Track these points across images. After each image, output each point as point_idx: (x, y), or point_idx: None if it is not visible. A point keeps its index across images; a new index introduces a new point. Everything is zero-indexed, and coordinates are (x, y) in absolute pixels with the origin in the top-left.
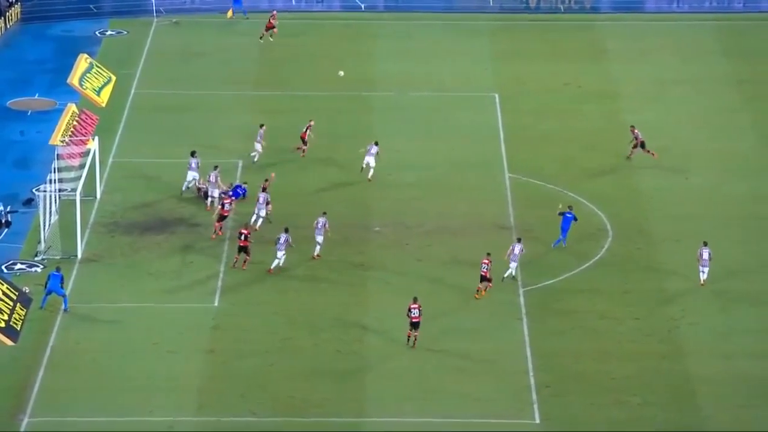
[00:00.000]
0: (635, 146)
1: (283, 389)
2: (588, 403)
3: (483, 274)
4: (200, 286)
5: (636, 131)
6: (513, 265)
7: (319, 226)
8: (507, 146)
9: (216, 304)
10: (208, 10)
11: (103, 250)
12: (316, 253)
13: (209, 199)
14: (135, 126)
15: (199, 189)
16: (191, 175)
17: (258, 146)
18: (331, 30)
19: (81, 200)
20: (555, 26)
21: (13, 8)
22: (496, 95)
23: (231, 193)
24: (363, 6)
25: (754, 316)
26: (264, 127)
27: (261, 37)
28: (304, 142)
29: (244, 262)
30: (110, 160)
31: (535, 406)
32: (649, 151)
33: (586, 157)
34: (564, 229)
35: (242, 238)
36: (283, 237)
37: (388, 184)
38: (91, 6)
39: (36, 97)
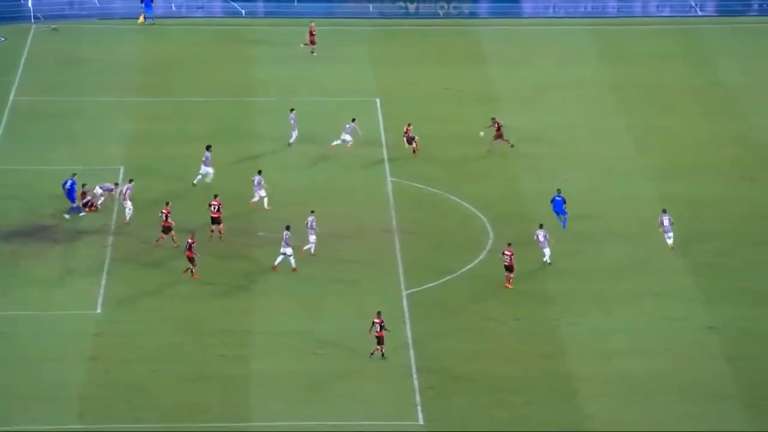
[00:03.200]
0: (496, 137)
1: (169, 395)
2: (472, 404)
3: (507, 264)
4: (83, 293)
5: (498, 121)
6: (547, 251)
7: (309, 224)
8: (388, 150)
9: (98, 310)
10: (87, 16)
11: None
12: (312, 250)
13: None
14: (14, 133)
15: (84, 194)
16: (204, 169)
17: (208, 169)
18: (212, 35)
19: None
20: (435, 31)
21: None
22: (378, 100)
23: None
24: (243, 12)
25: (632, 315)
26: (211, 149)
27: (305, 44)
28: (409, 141)
29: (192, 271)
30: None
31: (419, 408)
32: (507, 140)
33: (468, 160)
34: (558, 212)
35: (188, 247)
36: (285, 234)
37: (273, 188)
38: None
39: None
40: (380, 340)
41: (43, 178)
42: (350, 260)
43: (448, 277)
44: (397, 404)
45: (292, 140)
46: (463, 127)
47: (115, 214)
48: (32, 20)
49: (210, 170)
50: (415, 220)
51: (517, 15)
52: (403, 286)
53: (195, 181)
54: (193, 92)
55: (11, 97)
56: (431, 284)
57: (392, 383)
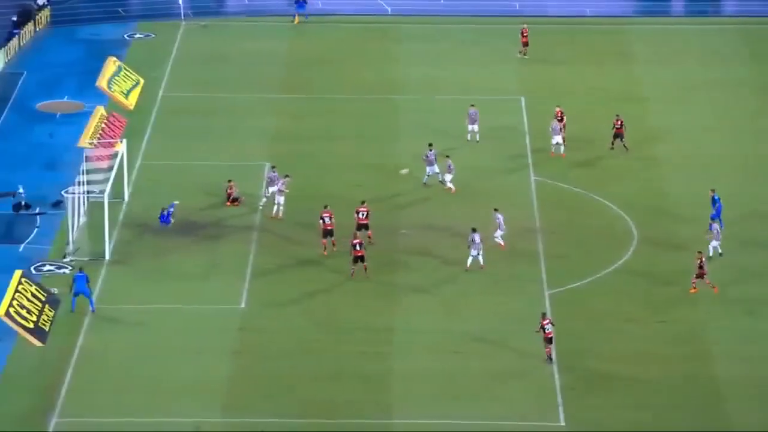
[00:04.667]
0: (615, 135)
1: (309, 391)
2: (613, 405)
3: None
4: (227, 288)
5: (620, 119)
6: (715, 243)
7: (498, 221)
8: (532, 149)
9: (243, 305)
10: (235, 14)
11: (131, 252)
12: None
13: (276, 206)
14: (162, 129)
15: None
16: (430, 169)
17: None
18: (356, 33)
19: (109, 202)
20: (581, 30)
21: (42, 11)
22: (522, 98)
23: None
24: (389, 9)
25: None
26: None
27: (520, 52)
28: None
29: (365, 269)
30: (138, 162)
31: (560, 408)
32: (624, 143)
33: (613, 159)
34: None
35: (357, 248)
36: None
37: (417, 185)
38: (120, 9)
39: (65, 99)
40: (550, 341)
41: (189, 173)
42: (493, 259)
43: (592, 278)
44: (537, 404)
45: (425, 179)
46: (608, 126)
47: (260, 210)
48: (182, 17)
49: (434, 168)
50: (558, 219)
51: (666, 13)
52: (545, 285)
53: (425, 181)
54: (337, 90)
55: (160, 93)
56: (574, 284)
57: (533, 383)
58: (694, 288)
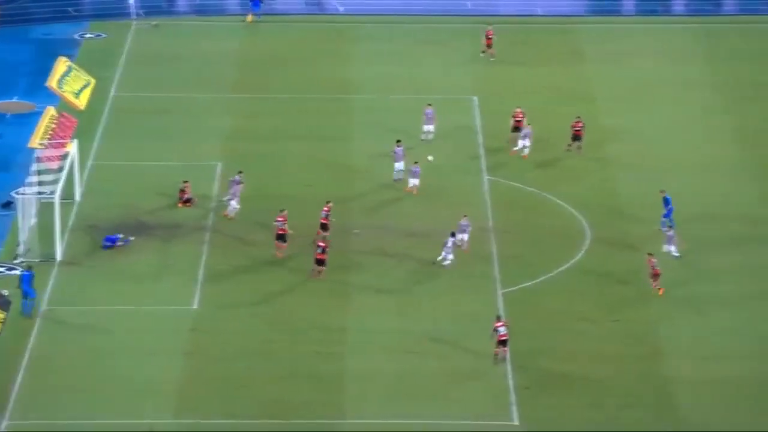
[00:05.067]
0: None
1: (263, 391)
2: (567, 405)
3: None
4: (179, 289)
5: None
6: (671, 248)
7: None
8: (485, 149)
9: (195, 306)
10: (186, 13)
11: (82, 252)
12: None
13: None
14: (114, 129)
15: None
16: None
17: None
18: (308, 33)
19: (60, 203)
20: (533, 29)
21: None
22: (475, 98)
23: (107, 240)
24: (341, 9)
25: (731, 318)
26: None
27: (483, 52)
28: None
29: (319, 272)
30: (89, 162)
31: (514, 407)
32: (573, 145)
33: (565, 159)
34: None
35: (319, 250)
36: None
37: (372, 185)
38: (70, 9)
39: (15, 99)
40: (504, 343)
41: (141, 174)
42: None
43: (544, 277)
44: (491, 403)
45: (395, 176)
46: (561, 125)
47: (212, 210)
48: (133, 16)
49: (402, 165)
50: (511, 219)
51: (617, 13)
52: (499, 285)
53: (395, 178)
54: (290, 89)
55: (111, 93)
56: (527, 283)
57: (487, 382)
58: (659, 289)
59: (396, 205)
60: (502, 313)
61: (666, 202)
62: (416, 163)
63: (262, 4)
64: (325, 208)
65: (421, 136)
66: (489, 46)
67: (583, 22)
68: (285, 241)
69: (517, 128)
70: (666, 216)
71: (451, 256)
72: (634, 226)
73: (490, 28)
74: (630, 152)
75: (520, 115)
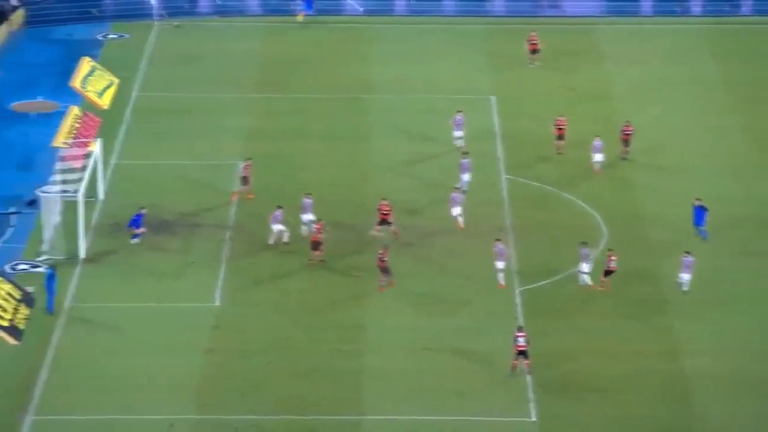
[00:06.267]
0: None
1: (283, 388)
2: (584, 402)
3: (610, 269)
4: (201, 286)
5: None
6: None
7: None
8: (503, 148)
9: (216, 303)
10: (208, 14)
11: (105, 251)
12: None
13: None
14: (137, 128)
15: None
16: (305, 218)
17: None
18: (329, 33)
19: (84, 202)
20: (551, 29)
21: (17, 12)
22: (493, 98)
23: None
24: (361, 9)
25: (748, 316)
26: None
27: (530, 59)
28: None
29: (388, 283)
30: (112, 162)
31: (531, 404)
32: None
33: (583, 158)
34: (697, 224)
35: (381, 259)
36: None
37: (389, 185)
38: (94, 10)
39: (39, 99)
40: (525, 355)
41: (163, 173)
42: (463, 257)
43: (562, 275)
44: (509, 400)
45: (462, 186)
46: (578, 125)
47: (232, 210)
48: (155, 17)
49: (467, 177)
50: (529, 217)
51: (635, 13)
52: (516, 283)
53: (463, 188)
54: (310, 89)
55: (134, 93)
56: (544, 282)
57: (504, 380)
58: (602, 286)
59: (414, 204)
60: (519, 310)
61: (699, 212)
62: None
63: (314, 3)
64: (384, 204)
65: (454, 142)
66: (534, 51)
67: (601, 22)
68: (318, 248)
69: (560, 137)
70: (698, 224)
71: (587, 267)
72: (651, 225)
73: (533, 33)
74: (648, 152)
75: (563, 123)
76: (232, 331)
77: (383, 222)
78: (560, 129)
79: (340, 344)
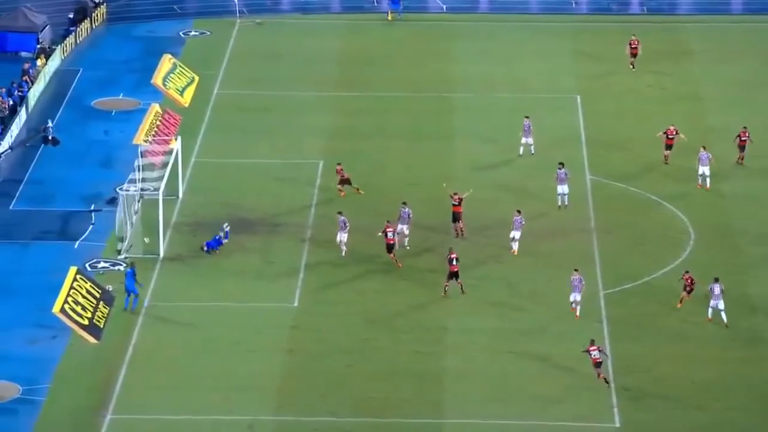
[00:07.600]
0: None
1: (362, 389)
2: (669, 407)
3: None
4: (280, 286)
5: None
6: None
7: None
8: (588, 148)
9: (296, 304)
10: (290, 12)
11: (185, 249)
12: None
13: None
14: (217, 126)
15: None
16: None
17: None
18: (410, 30)
19: (163, 200)
20: (637, 28)
21: (99, 9)
22: (578, 97)
23: (208, 243)
24: (444, 7)
25: None
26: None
27: (632, 65)
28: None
29: (461, 287)
30: (192, 159)
31: (615, 410)
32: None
33: (671, 159)
34: None
35: (453, 262)
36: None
37: (469, 184)
38: (175, 7)
39: (120, 97)
40: (599, 365)
41: (243, 171)
42: (547, 259)
43: (647, 278)
44: (592, 405)
45: (526, 150)
46: (666, 125)
47: (312, 209)
48: (237, 15)
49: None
50: (613, 219)
51: (725, 11)
52: (600, 286)
53: (558, 204)
54: (391, 87)
55: (215, 91)
56: (629, 285)
57: (588, 384)
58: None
59: (493, 205)
60: (603, 313)
61: None
62: (520, 212)
63: (401, 2)
64: (455, 196)
65: (520, 149)
66: (634, 55)
67: (688, 21)
68: (392, 251)
69: (669, 146)
70: None
71: (721, 303)
72: (738, 227)
73: (633, 37)
74: (736, 153)
75: (673, 133)
76: (311, 331)
77: (456, 217)
78: (670, 139)
79: (420, 346)
